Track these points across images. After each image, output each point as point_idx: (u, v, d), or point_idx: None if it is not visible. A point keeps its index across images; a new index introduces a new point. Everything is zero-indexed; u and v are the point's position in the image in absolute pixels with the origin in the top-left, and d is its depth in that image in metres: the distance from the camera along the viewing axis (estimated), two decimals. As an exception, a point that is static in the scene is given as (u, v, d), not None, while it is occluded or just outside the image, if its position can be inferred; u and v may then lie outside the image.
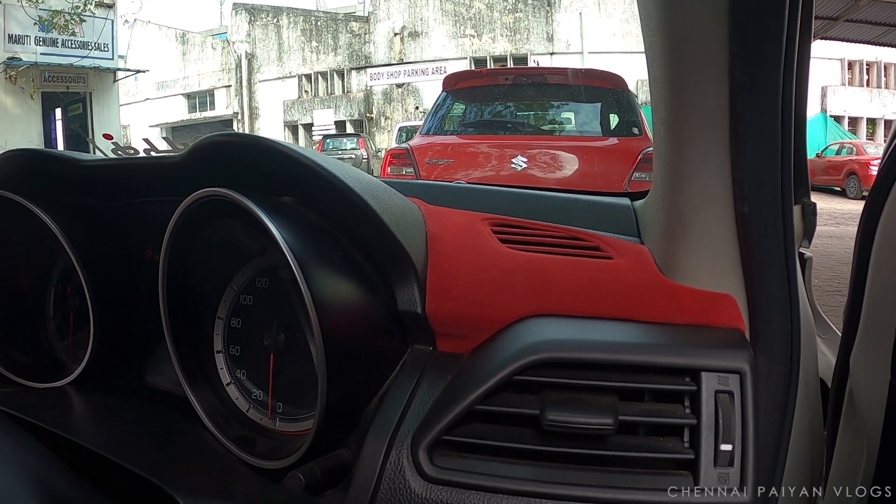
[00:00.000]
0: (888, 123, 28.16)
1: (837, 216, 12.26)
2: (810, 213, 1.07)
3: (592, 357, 0.75)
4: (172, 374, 0.95)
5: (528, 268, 0.89)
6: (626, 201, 1.20)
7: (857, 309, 0.84)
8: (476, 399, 0.75)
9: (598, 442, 0.73)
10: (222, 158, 0.90)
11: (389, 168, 5.31)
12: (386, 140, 28.06)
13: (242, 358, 0.96)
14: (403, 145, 5.70)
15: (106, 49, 17.91)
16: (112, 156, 2.18)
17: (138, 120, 33.99)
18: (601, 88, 5.53)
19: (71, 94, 17.72)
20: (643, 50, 0.83)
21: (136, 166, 1.05)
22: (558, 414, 0.72)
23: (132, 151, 2.17)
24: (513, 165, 4.86)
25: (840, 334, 1.08)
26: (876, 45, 14.57)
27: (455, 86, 5.97)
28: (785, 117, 0.72)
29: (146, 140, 1.57)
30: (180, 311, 0.92)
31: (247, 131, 33.43)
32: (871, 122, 28.24)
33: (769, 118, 0.71)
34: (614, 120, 5.60)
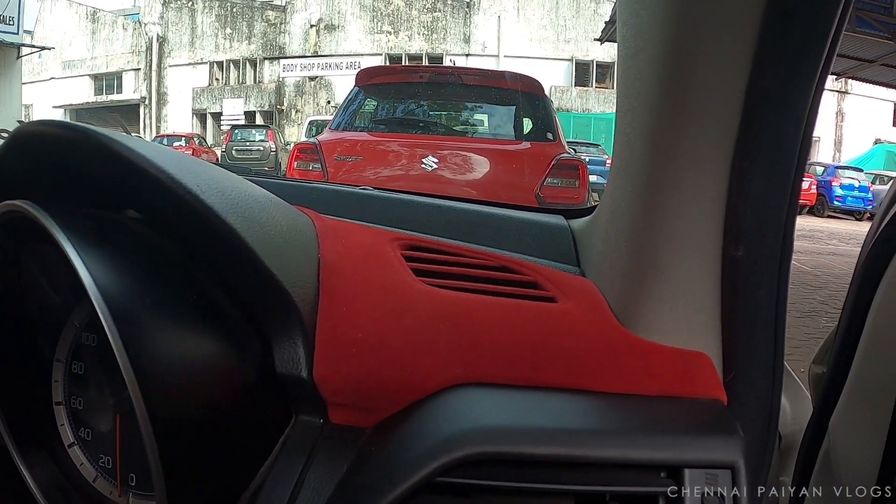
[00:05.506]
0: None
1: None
2: None
3: (542, 452, 0.54)
4: None
5: (453, 314, 0.66)
6: (561, 220, 1.00)
7: (841, 373, 0.72)
8: None
9: None
10: (47, 156, 0.63)
11: (296, 163, 5.11)
12: (296, 133, 27.87)
13: (87, 413, 0.69)
14: (311, 140, 5.52)
15: (11, 23, 17.22)
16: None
17: (42, 100, 33.11)
18: (517, 92, 5.48)
19: (-33, 68, 16.91)
20: (616, 57, 0.66)
21: None
22: None
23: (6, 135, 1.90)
24: (423, 165, 4.74)
25: (800, 383, 0.97)
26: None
27: (368, 81, 5.81)
28: (803, 148, 0.58)
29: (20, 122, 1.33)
30: (4, 350, 0.66)
31: (153, 117, 32.62)
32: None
33: (788, 146, 0.57)
34: (529, 124, 5.54)
